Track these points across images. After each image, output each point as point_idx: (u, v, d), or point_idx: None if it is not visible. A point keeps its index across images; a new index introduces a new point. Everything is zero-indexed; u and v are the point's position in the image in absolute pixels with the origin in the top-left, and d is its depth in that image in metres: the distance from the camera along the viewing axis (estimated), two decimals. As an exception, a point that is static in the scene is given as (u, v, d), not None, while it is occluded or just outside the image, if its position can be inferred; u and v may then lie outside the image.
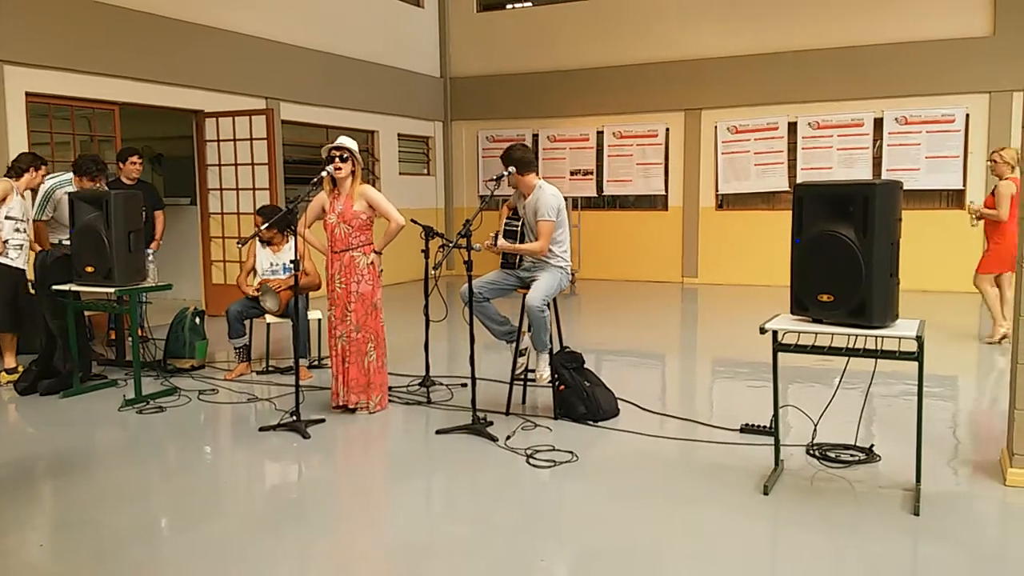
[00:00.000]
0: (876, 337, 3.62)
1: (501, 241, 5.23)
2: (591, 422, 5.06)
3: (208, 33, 9.42)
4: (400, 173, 13.00)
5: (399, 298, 9.53)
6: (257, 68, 10.05)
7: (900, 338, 3.59)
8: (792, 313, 3.87)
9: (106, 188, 6.37)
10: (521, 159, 5.29)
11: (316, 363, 6.69)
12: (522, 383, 5.55)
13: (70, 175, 6.33)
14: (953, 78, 10.83)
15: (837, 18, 11.37)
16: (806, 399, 5.27)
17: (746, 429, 4.84)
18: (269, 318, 6.43)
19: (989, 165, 7.67)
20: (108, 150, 8.97)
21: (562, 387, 5.16)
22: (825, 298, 3.68)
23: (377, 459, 4.85)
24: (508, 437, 4.76)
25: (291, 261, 5.50)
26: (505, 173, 5.28)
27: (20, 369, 6.14)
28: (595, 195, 13.14)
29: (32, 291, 6.23)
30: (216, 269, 9.80)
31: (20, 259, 6.09)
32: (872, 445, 4.40)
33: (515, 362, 5.42)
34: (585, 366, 5.30)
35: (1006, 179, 7.23)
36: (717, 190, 12.32)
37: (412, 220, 5.68)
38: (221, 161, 9.63)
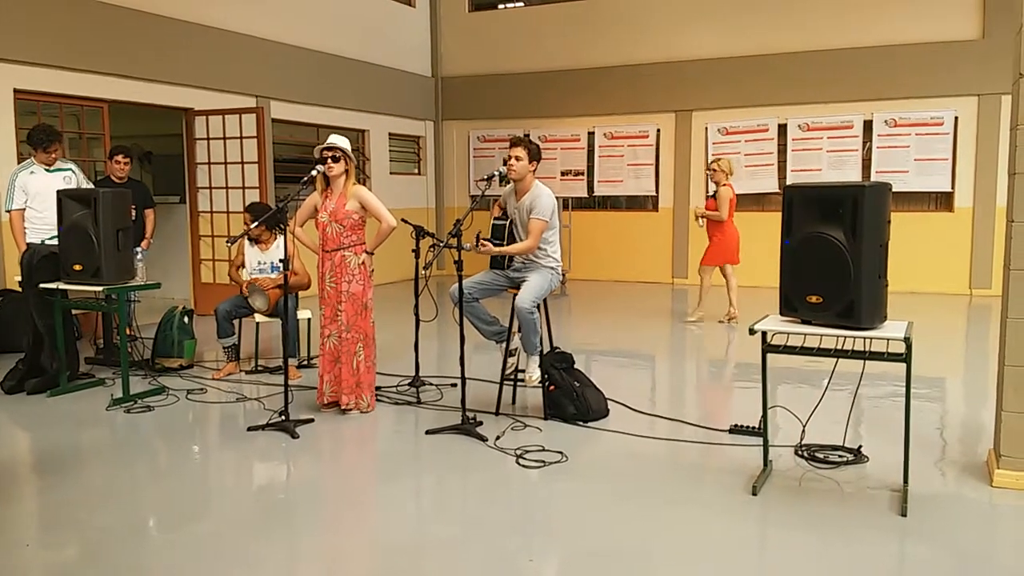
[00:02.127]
0: (864, 338, 3.63)
1: (488, 245, 5.20)
2: (581, 422, 5.06)
3: (198, 31, 9.38)
4: (391, 173, 12.98)
5: (389, 298, 9.51)
6: (247, 66, 10.02)
7: (888, 339, 3.61)
8: (781, 314, 3.89)
9: (61, 155, 6.49)
10: (539, 152, 5.33)
11: (305, 363, 6.68)
12: (512, 383, 5.55)
13: (30, 160, 6.38)
14: (942, 81, 10.89)
15: (827, 20, 11.41)
16: (795, 400, 5.28)
17: (735, 430, 4.85)
18: (258, 317, 6.41)
19: (708, 173, 8.76)
20: (97, 148, 8.93)
21: (552, 387, 5.16)
22: (814, 299, 3.69)
23: (366, 459, 4.84)
24: (498, 437, 4.76)
25: (280, 260, 5.48)
26: (495, 173, 5.27)
27: None
28: (586, 196, 13.15)
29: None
30: (205, 268, 9.76)
31: None
32: (860, 446, 4.42)
33: (505, 362, 5.41)
34: (575, 366, 5.30)
35: (723, 185, 8.58)
36: (707, 191, 12.33)
37: (403, 220, 5.68)
38: (211, 159, 9.59)
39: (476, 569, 3.23)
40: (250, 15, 10.10)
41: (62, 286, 5.70)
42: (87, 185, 6.64)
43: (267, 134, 9.71)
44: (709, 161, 8.99)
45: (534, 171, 5.32)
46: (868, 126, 11.37)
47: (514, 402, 5.55)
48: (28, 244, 6.23)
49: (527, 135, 13.01)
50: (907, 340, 3.58)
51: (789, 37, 11.63)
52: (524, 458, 4.42)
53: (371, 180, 12.25)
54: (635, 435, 4.86)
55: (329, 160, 5.15)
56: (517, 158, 5.22)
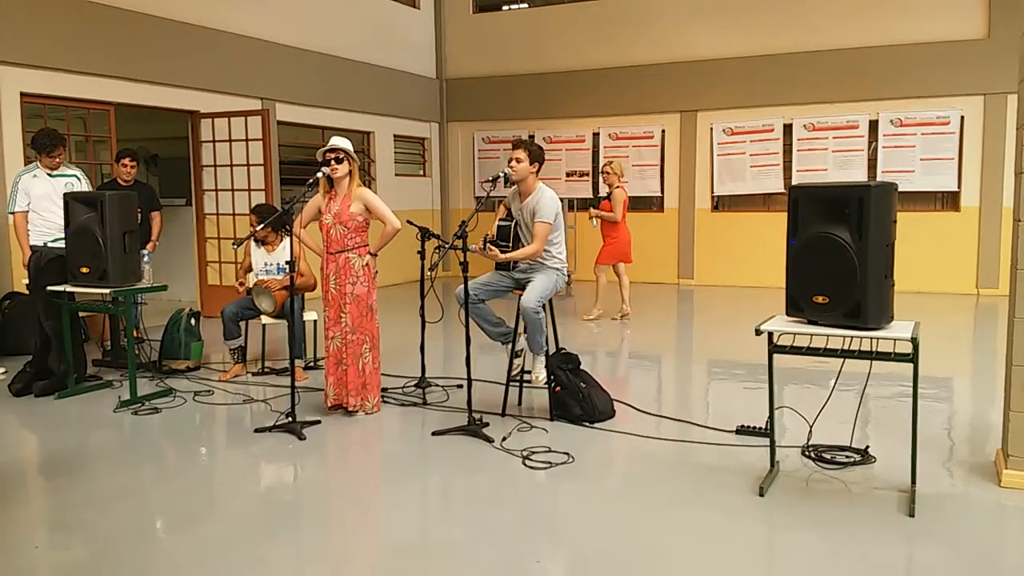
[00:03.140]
0: (871, 339, 3.62)
1: (495, 251, 5.20)
2: (587, 423, 5.06)
3: (204, 34, 9.40)
4: (396, 174, 12.99)
5: (395, 299, 9.52)
6: (253, 69, 10.04)
7: (895, 339, 3.60)
8: (787, 314, 3.88)
9: (64, 159, 6.53)
10: (539, 153, 5.32)
11: (312, 364, 6.69)
12: (518, 384, 5.55)
13: (35, 163, 6.42)
14: (948, 80, 10.87)
15: (833, 20, 11.40)
16: (801, 400, 5.27)
17: (742, 430, 4.84)
18: (265, 319, 6.42)
19: (603, 176, 9.07)
20: (103, 151, 8.97)
21: (558, 388, 5.16)
22: (820, 299, 3.68)
23: (373, 460, 4.84)
24: (504, 438, 4.75)
25: (287, 262, 5.49)
26: (500, 174, 5.27)
27: None
28: (591, 196, 13.14)
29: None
30: (211, 270, 9.79)
31: None
32: (867, 446, 4.41)
33: (511, 363, 5.41)
34: (581, 367, 5.30)
35: (617, 187, 8.80)
36: (713, 192, 12.34)
37: (408, 221, 5.69)
38: (216, 162, 9.62)
39: (482, 570, 3.23)
40: (255, 18, 10.13)
41: (69, 289, 5.72)
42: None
43: (272, 136, 9.73)
44: (602, 164, 9.21)
45: (536, 172, 5.32)
46: (874, 126, 11.35)
47: (520, 403, 5.55)
48: (31, 246, 6.28)
49: (532, 136, 13.07)
50: (914, 340, 3.57)
51: (794, 37, 11.62)
52: (530, 459, 4.42)
53: (376, 182, 12.26)
54: (641, 436, 4.86)
55: (333, 162, 5.15)
56: (518, 160, 5.25)
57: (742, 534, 3.53)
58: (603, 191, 9.83)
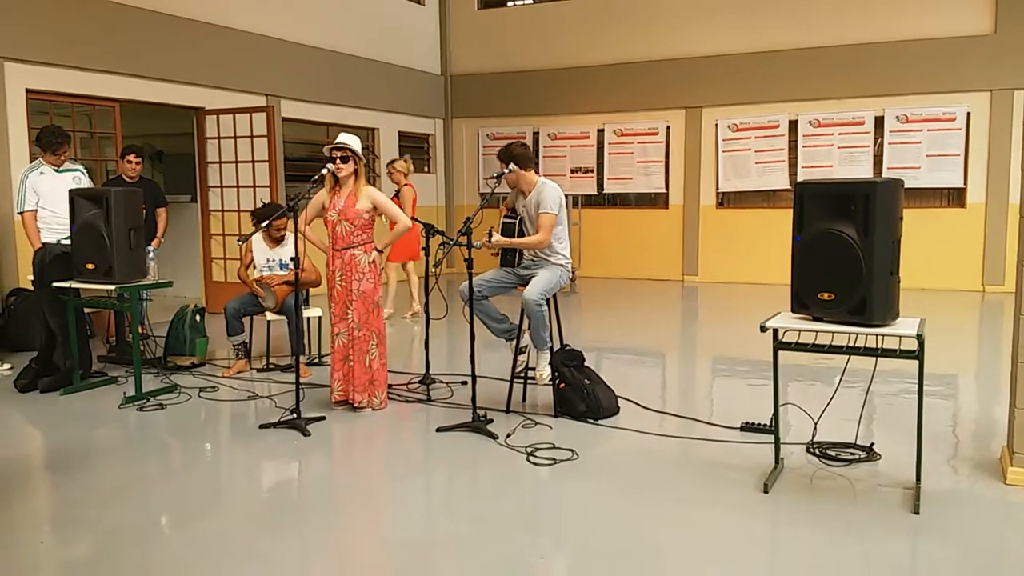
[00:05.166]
0: (876, 335, 3.61)
1: (497, 236, 5.20)
2: (591, 420, 5.06)
3: (209, 30, 9.41)
4: (400, 171, 12.98)
5: (399, 296, 9.51)
6: (258, 65, 10.05)
7: (900, 336, 3.59)
8: (793, 311, 3.87)
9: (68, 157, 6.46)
10: (521, 155, 5.28)
11: (315, 360, 6.69)
12: (522, 381, 5.55)
13: (39, 160, 6.35)
14: (954, 76, 10.83)
15: (839, 16, 11.36)
16: (806, 397, 5.27)
17: (746, 427, 4.83)
18: (269, 315, 6.43)
19: (388, 172, 8.98)
20: (108, 147, 8.97)
21: (562, 385, 5.15)
22: (826, 296, 3.67)
23: (377, 457, 4.85)
24: (508, 435, 4.76)
25: (291, 258, 5.50)
26: (504, 171, 5.27)
27: None
28: (596, 193, 13.13)
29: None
30: (216, 266, 9.80)
31: None
32: (872, 443, 4.40)
33: (515, 360, 5.41)
34: (585, 364, 5.30)
35: (405, 185, 8.71)
36: (718, 188, 12.32)
37: (413, 218, 5.68)
38: (221, 158, 9.63)
39: (487, 566, 3.23)
40: (261, 14, 10.13)
41: (75, 285, 5.73)
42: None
43: (277, 133, 9.74)
44: (387, 163, 9.15)
45: (527, 169, 5.28)
46: (879, 122, 11.31)
47: (524, 400, 5.55)
48: (43, 243, 6.26)
49: (536, 133, 13.08)
50: (919, 337, 3.56)
51: (800, 33, 11.58)
52: (535, 456, 4.42)
53: (381, 179, 12.26)
54: (646, 433, 4.86)
55: (338, 160, 5.15)
56: (510, 170, 5.24)
57: (746, 531, 3.53)
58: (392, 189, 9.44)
